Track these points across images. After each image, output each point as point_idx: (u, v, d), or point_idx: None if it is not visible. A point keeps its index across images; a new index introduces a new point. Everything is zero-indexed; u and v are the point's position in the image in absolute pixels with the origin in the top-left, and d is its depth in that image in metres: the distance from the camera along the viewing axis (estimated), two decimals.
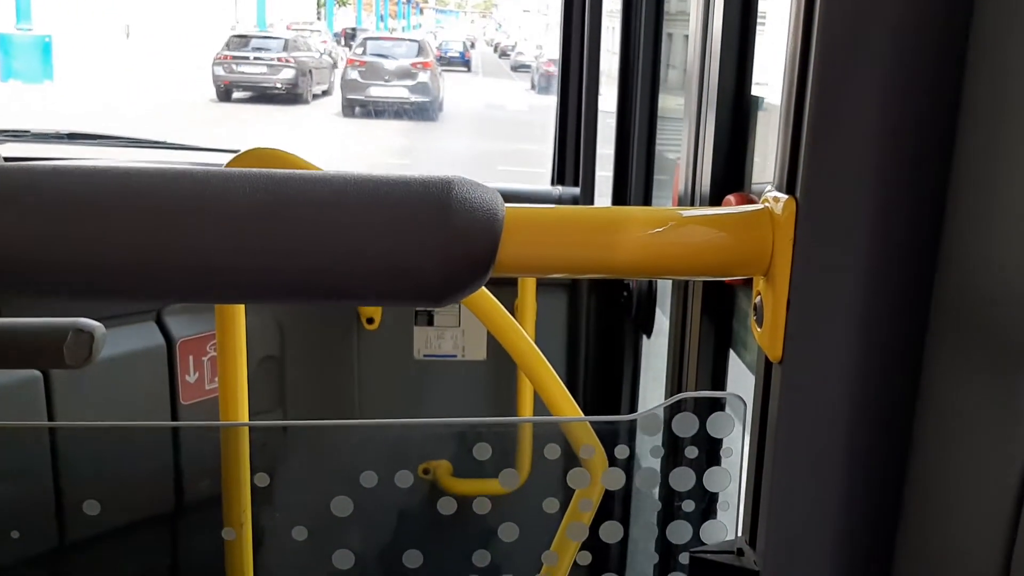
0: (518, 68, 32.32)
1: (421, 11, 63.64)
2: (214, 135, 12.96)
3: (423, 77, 18.38)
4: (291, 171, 0.61)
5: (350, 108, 18.01)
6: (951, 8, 0.60)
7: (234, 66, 18.72)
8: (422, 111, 18.08)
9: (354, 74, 18.20)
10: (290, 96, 18.95)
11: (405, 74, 18.31)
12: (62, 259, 0.58)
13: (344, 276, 0.60)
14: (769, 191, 0.68)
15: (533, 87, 25.84)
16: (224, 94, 18.74)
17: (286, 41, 20.02)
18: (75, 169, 0.60)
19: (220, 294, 0.62)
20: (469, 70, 33.08)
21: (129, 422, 1.02)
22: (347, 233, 0.58)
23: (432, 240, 0.59)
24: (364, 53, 18.86)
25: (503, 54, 41.77)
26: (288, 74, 18.94)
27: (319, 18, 42.23)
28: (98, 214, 0.58)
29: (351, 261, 0.59)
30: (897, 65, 0.61)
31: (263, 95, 18.86)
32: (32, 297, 0.68)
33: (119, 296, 0.63)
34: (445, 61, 29.31)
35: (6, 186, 0.59)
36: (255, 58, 18.82)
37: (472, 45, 39.81)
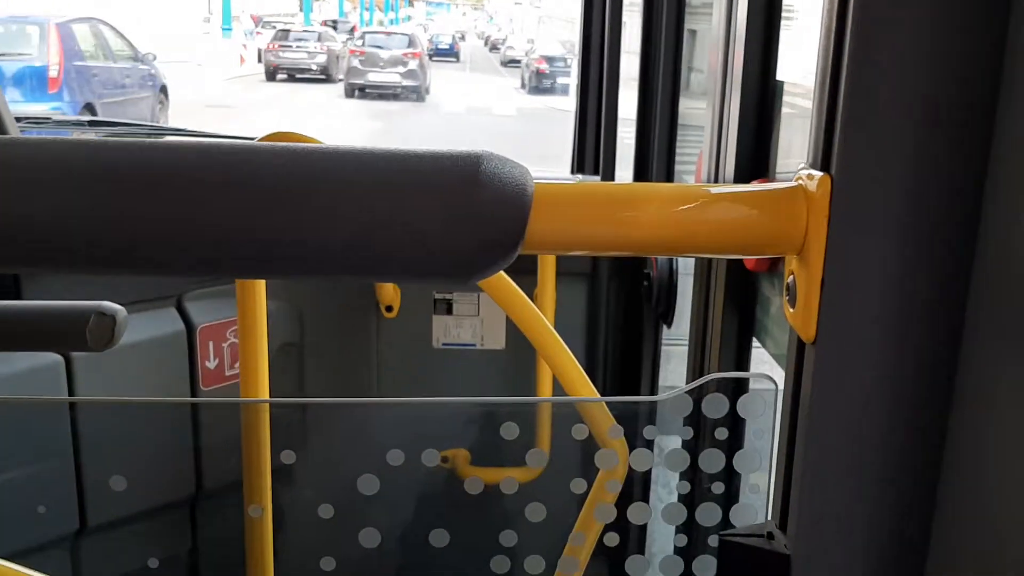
0: (508, 63, 31.54)
1: (411, 3, 63.17)
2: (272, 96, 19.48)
3: (412, 65, 22.17)
4: (317, 146, 0.60)
5: (351, 90, 21.99)
6: None
7: (280, 53, 24.19)
8: (412, 92, 21.90)
9: (355, 62, 22.01)
10: (323, 76, 24.14)
11: (398, 62, 22.01)
12: (86, 232, 0.58)
13: (373, 251, 0.59)
14: (802, 168, 0.67)
15: (523, 86, 24.99)
16: (271, 75, 24.31)
17: (319, 34, 25.91)
18: (99, 143, 0.59)
19: (244, 268, 0.62)
20: (458, 60, 34.50)
21: (147, 398, 1.02)
22: (375, 208, 0.58)
23: (461, 215, 0.58)
24: (363, 44, 23.01)
25: (493, 47, 40.62)
26: (322, 59, 24.27)
27: (300, 10, 42.36)
28: (124, 187, 0.58)
29: (380, 236, 0.58)
30: (935, 37, 0.60)
31: (300, 76, 24.15)
32: (55, 271, 0.68)
33: (144, 270, 0.63)
34: (435, 52, 31.50)
35: (31, 159, 0.59)
36: (297, 47, 24.34)
37: (462, 38, 40.16)
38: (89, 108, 10.83)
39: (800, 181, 0.67)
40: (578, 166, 2.48)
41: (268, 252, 0.59)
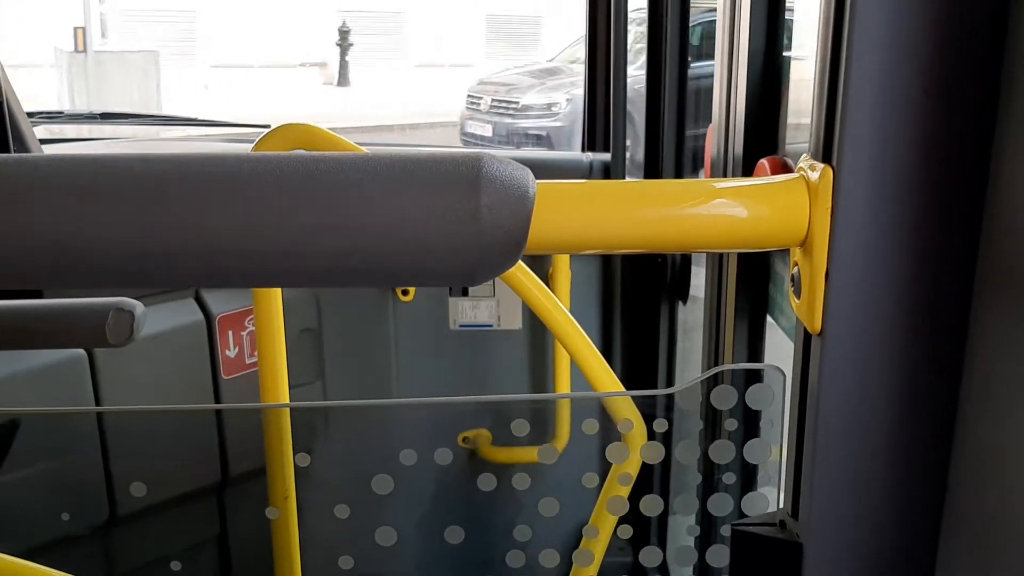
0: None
1: None
2: None
3: None
4: (316, 154, 0.60)
5: None
6: None
7: None
8: None
9: None
10: None
11: None
12: (86, 248, 0.59)
13: (374, 259, 0.59)
14: (805, 159, 0.67)
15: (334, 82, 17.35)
16: None
17: None
18: (94, 159, 0.60)
19: (249, 280, 0.63)
20: None
21: (172, 406, 1.04)
22: (375, 215, 0.58)
23: (463, 220, 0.58)
24: None
25: None
26: None
27: None
28: (125, 202, 0.59)
29: (381, 243, 0.59)
30: (936, 24, 0.59)
31: None
32: (62, 287, 0.69)
33: (148, 283, 0.64)
34: None
35: (35, 177, 0.60)
36: None
37: None
38: None
39: (802, 172, 0.66)
40: (589, 144, 2.47)
41: (268, 265, 0.60)
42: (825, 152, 0.64)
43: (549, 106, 9.81)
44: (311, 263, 0.60)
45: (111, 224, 0.58)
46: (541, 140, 9.64)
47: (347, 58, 16.68)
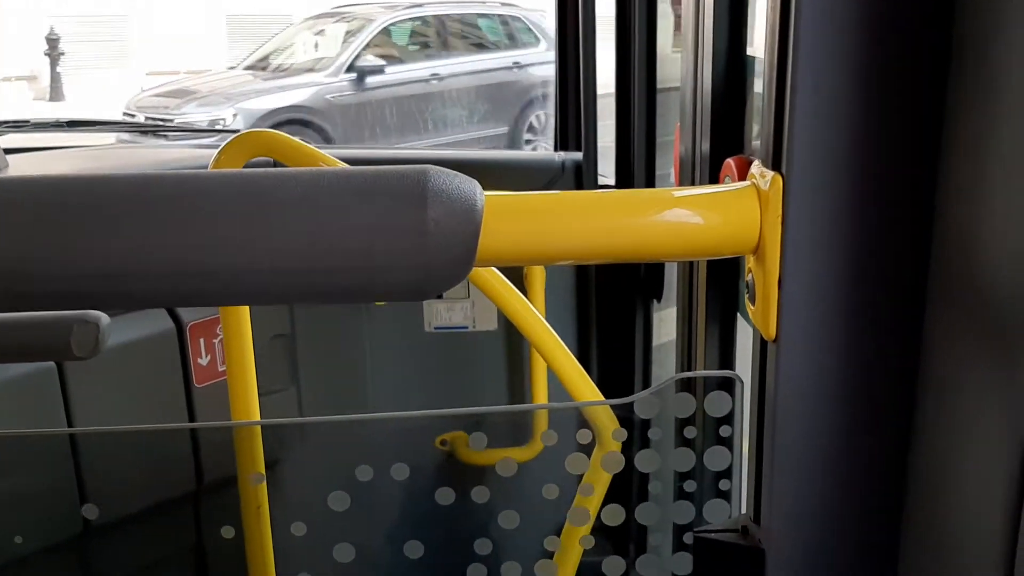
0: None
1: None
2: None
3: None
4: (261, 171, 0.59)
5: None
6: None
7: None
8: None
9: None
10: None
11: None
12: (40, 270, 0.58)
13: (320, 277, 0.58)
14: (756, 167, 0.67)
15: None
16: None
17: None
18: (40, 181, 0.59)
19: (197, 299, 0.62)
20: None
21: (140, 426, 1.03)
22: (320, 233, 0.57)
23: (409, 235, 0.57)
24: None
25: None
26: None
27: None
28: (72, 224, 0.58)
29: (326, 261, 0.58)
30: (882, 34, 0.59)
31: None
32: (16, 310, 0.68)
33: (97, 305, 0.63)
34: None
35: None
36: None
37: None
38: None
39: (753, 180, 0.66)
40: (561, 143, 2.46)
41: (216, 286, 0.59)
42: (775, 160, 0.64)
43: (213, 123, 8.11)
44: (257, 282, 0.59)
45: (64, 249, 0.57)
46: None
47: (58, 69, 14.48)
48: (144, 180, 0.60)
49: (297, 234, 0.57)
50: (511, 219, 0.64)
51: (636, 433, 0.83)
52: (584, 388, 1.53)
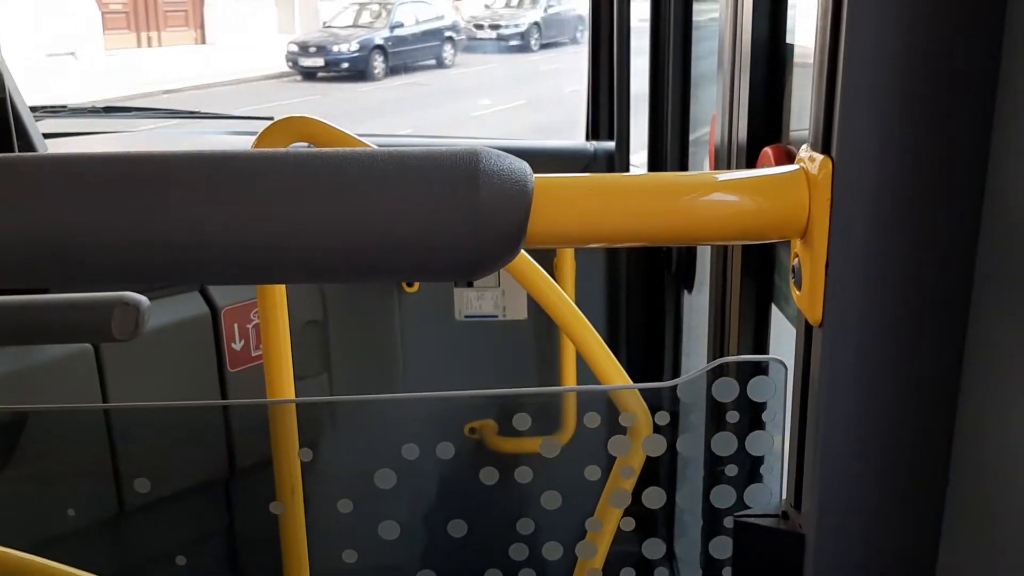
0: None
1: None
2: None
3: None
4: (316, 151, 0.60)
5: None
6: None
7: None
8: None
9: None
10: None
11: None
12: (88, 247, 0.59)
13: (374, 255, 0.59)
14: (805, 150, 0.67)
15: None
16: None
17: None
18: (85, 158, 0.60)
19: (248, 276, 0.63)
20: None
21: (176, 403, 1.04)
22: (375, 212, 0.58)
23: (461, 215, 0.58)
24: None
25: None
26: None
27: None
28: (127, 201, 0.59)
29: (380, 240, 0.58)
30: (934, 13, 0.59)
31: None
32: (64, 287, 0.70)
33: (146, 280, 0.64)
34: None
35: (38, 176, 0.60)
36: None
37: None
38: None
39: (802, 164, 0.66)
40: (593, 133, 2.46)
41: (268, 259, 0.60)
42: (824, 143, 0.63)
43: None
44: (309, 260, 0.60)
45: (111, 223, 0.58)
46: None
47: None
48: (200, 157, 0.61)
49: (352, 213, 0.58)
50: (560, 201, 0.65)
51: (680, 418, 0.84)
52: (615, 375, 1.54)
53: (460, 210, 0.58)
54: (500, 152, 0.61)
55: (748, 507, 0.77)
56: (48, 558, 1.13)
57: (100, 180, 0.59)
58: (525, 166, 0.62)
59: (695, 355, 2.25)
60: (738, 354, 1.56)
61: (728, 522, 0.77)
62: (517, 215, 0.60)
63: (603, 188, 0.67)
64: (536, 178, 0.63)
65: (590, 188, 0.67)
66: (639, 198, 0.66)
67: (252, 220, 0.58)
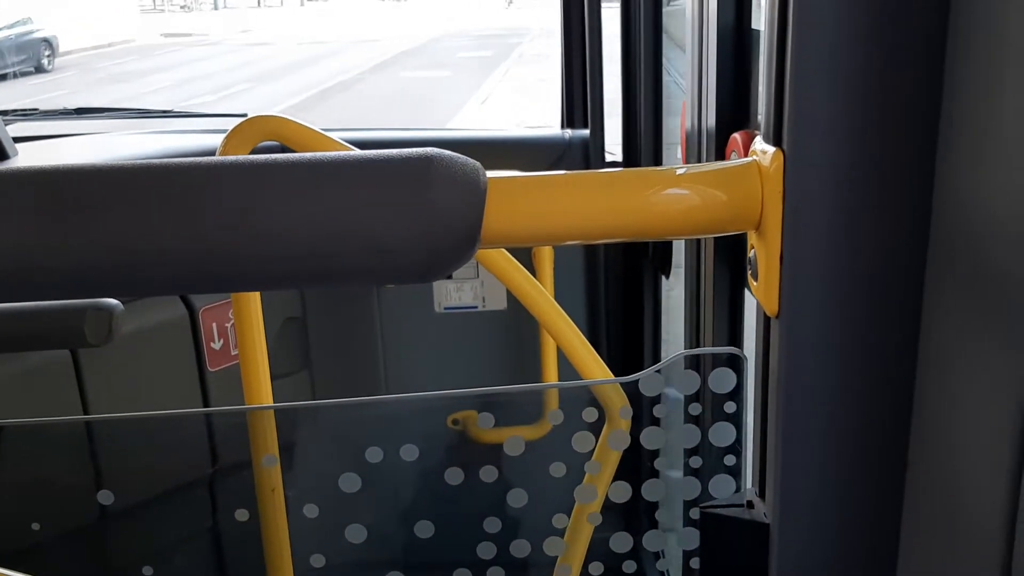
0: None
1: None
2: None
3: None
4: (267, 158, 0.60)
5: None
6: None
7: None
8: None
9: None
10: None
11: None
12: (53, 258, 0.59)
13: (327, 262, 0.59)
14: (758, 143, 0.67)
15: None
16: None
17: None
18: (54, 171, 0.59)
19: (206, 285, 0.63)
20: None
21: (152, 412, 1.04)
22: (325, 218, 0.58)
23: (413, 219, 0.58)
24: None
25: None
26: None
27: None
28: (82, 213, 0.58)
29: (333, 246, 0.58)
30: (883, 7, 0.59)
31: None
32: (36, 298, 0.70)
33: (112, 292, 0.64)
34: None
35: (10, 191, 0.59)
36: None
37: None
38: None
39: (755, 157, 0.66)
40: (568, 121, 2.46)
41: (222, 271, 0.59)
42: (776, 136, 0.64)
43: None
44: (260, 268, 0.60)
45: (72, 235, 0.58)
46: None
47: None
48: (152, 168, 0.60)
49: (303, 219, 0.58)
50: (515, 200, 0.65)
51: (645, 411, 0.84)
52: (593, 366, 1.54)
53: (413, 213, 0.58)
54: (453, 155, 0.61)
55: (714, 498, 0.78)
56: (24, 572, 1.13)
57: (65, 194, 0.59)
58: (478, 167, 0.62)
59: (675, 342, 2.26)
60: (714, 340, 1.57)
61: (694, 513, 0.77)
62: (471, 216, 0.60)
63: (558, 186, 0.67)
64: (490, 178, 0.62)
65: (544, 187, 0.67)
66: (594, 195, 0.66)
67: (202, 230, 0.58)
